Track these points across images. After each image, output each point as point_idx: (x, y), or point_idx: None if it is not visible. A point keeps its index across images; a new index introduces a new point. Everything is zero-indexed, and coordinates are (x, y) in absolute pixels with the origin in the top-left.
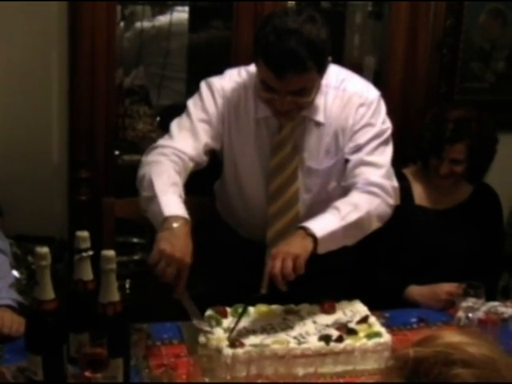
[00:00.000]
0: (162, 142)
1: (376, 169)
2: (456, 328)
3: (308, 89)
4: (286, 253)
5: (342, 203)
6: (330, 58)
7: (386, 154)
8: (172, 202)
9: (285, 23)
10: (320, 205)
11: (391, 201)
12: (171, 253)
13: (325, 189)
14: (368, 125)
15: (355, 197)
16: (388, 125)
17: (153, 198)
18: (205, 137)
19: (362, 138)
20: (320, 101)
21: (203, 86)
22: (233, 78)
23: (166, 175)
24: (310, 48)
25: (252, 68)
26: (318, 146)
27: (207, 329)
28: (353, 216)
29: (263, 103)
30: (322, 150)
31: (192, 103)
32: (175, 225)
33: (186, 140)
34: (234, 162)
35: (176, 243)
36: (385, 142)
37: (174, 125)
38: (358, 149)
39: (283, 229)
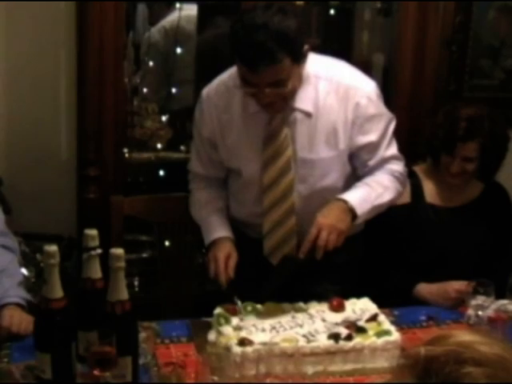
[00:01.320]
0: (191, 167)
1: (397, 160)
2: (467, 327)
3: (284, 79)
4: (332, 227)
5: (373, 182)
6: (306, 47)
7: (395, 142)
8: (210, 230)
9: (252, 18)
10: (318, 196)
11: (405, 185)
12: (215, 253)
13: (323, 180)
14: (375, 116)
15: (383, 178)
16: (391, 114)
17: (200, 225)
18: (213, 154)
19: (373, 132)
20: (309, 91)
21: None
22: (222, 80)
23: (202, 206)
24: (280, 39)
25: None
26: (311, 136)
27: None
28: (384, 198)
29: (251, 98)
30: (316, 141)
31: (193, 124)
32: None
33: (200, 164)
34: (230, 161)
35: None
36: (393, 132)
37: (192, 149)
38: (375, 146)
39: (278, 220)
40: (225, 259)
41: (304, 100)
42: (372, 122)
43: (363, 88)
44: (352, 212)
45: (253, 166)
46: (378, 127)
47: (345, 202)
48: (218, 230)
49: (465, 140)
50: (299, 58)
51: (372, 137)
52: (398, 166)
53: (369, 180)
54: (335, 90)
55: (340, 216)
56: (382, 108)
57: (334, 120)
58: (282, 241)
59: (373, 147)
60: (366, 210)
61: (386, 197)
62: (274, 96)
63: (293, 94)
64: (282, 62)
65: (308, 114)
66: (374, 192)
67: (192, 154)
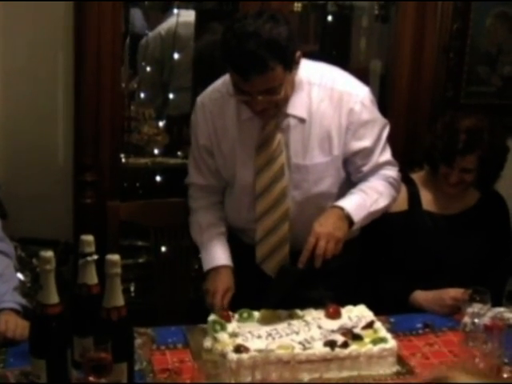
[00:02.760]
0: (191, 179)
1: (392, 166)
2: (462, 335)
3: (277, 87)
4: (330, 235)
5: (368, 189)
6: (298, 54)
7: (389, 148)
8: (211, 256)
9: (243, 27)
10: (312, 202)
11: (399, 190)
12: (215, 286)
13: (317, 185)
14: (369, 122)
15: (378, 184)
16: (385, 119)
17: (201, 249)
18: (209, 161)
19: (367, 137)
20: (302, 97)
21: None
22: (216, 87)
23: (203, 230)
24: (271, 47)
25: None
26: (304, 142)
27: None
28: (380, 204)
29: (244, 105)
30: (310, 147)
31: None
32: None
33: (199, 174)
34: (225, 169)
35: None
36: (387, 137)
37: (190, 160)
38: (369, 152)
39: (271, 227)
40: (223, 293)
41: (297, 106)
42: (366, 128)
43: (357, 94)
44: (349, 219)
45: (246, 173)
46: (372, 133)
47: (341, 209)
48: (218, 258)
49: (464, 153)
50: (291, 65)
51: (366, 142)
52: (392, 172)
53: (364, 186)
54: (329, 96)
55: (337, 223)
56: (375, 113)
57: (328, 126)
58: (275, 248)
59: (367, 153)
60: (362, 216)
61: (381, 203)
62: (266, 103)
63: (285, 100)
64: (273, 69)
65: (301, 120)
66: (369, 198)
67: (190, 165)
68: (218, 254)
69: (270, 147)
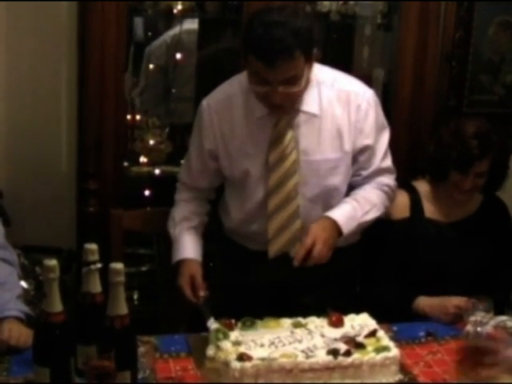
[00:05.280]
0: (180, 176)
1: (390, 173)
2: (464, 343)
3: (297, 77)
4: (326, 240)
5: (362, 198)
6: (315, 50)
7: (390, 154)
8: (177, 250)
9: (270, 16)
10: (322, 199)
11: (393, 199)
12: (179, 283)
13: (325, 182)
14: (373, 121)
15: (372, 194)
16: (387, 124)
17: (173, 241)
18: (210, 164)
19: (371, 136)
20: (314, 94)
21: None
22: (222, 88)
23: (176, 223)
24: (296, 37)
25: (242, 76)
26: (316, 138)
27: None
28: (370, 215)
29: (259, 101)
30: (321, 143)
31: (192, 133)
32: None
33: (194, 175)
34: (234, 167)
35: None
36: (388, 143)
37: (185, 159)
38: (372, 153)
39: (284, 223)
40: (190, 286)
41: (309, 102)
42: (371, 126)
43: (363, 93)
44: (338, 230)
45: (257, 170)
46: (375, 132)
47: (333, 220)
48: (182, 251)
49: (481, 158)
50: (311, 59)
51: (369, 140)
52: (388, 180)
53: (358, 196)
54: (337, 96)
55: (332, 232)
56: (380, 115)
57: (338, 124)
58: (287, 245)
59: (370, 153)
60: (351, 228)
61: (372, 215)
62: (285, 96)
63: (301, 94)
64: (297, 58)
65: (313, 116)
66: (360, 209)
67: (183, 163)
68: (183, 248)
69: (282, 144)
